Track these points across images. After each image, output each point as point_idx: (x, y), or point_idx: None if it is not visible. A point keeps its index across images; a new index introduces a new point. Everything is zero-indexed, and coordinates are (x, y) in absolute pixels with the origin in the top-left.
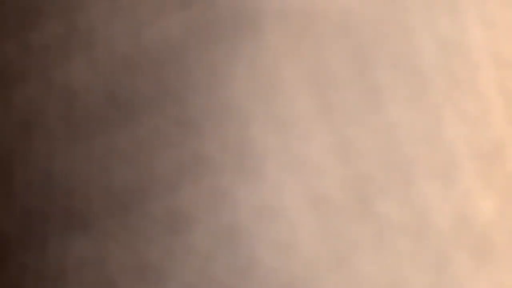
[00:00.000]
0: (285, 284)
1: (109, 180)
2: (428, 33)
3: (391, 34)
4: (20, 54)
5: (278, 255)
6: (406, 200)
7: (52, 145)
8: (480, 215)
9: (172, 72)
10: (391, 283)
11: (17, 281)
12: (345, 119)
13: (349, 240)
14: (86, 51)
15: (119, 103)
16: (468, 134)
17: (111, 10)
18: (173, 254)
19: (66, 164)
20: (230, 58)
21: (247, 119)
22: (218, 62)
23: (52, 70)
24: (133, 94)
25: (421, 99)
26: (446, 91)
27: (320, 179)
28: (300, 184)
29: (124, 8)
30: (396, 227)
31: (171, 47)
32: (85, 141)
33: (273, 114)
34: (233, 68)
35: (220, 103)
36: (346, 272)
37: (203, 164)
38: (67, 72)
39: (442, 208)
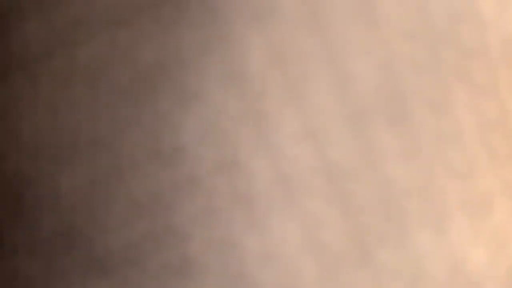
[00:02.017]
0: None
1: (129, 231)
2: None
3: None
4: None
5: None
6: (402, 248)
7: (76, 193)
8: (471, 263)
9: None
10: None
11: None
12: (345, 175)
13: (349, 286)
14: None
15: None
16: (458, 187)
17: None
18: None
19: (88, 213)
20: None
21: (252, 175)
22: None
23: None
24: None
25: (414, 156)
26: (437, 146)
27: (323, 229)
28: (303, 234)
29: None
30: (392, 273)
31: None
32: (104, 194)
33: (275, 168)
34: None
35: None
36: None
37: (214, 215)
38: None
39: (435, 256)
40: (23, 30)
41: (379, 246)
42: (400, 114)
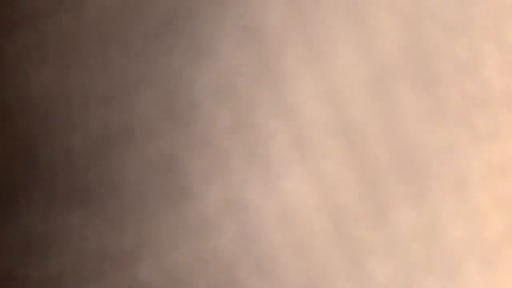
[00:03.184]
0: (301, 286)
1: (143, 190)
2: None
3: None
4: None
5: (296, 259)
6: (419, 210)
7: None
8: (491, 224)
9: None
10: None
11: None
12: (365, 136)
13: (364, 248)
14: None
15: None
16: (481, 151)
17: None
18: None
19: (101, 172)
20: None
21: (268, 136)
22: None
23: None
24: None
25: (438, 118)
26: (462, 109)
27: (339, 190)
28: (319, 196)
29: None
30: (409, 235)
31: None
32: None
33: (292, 129)
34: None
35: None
36: (360, 277)
37: (229, 176)
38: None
39: (454, 218)
40: None
41: (396, 208)
42: (425, 75)
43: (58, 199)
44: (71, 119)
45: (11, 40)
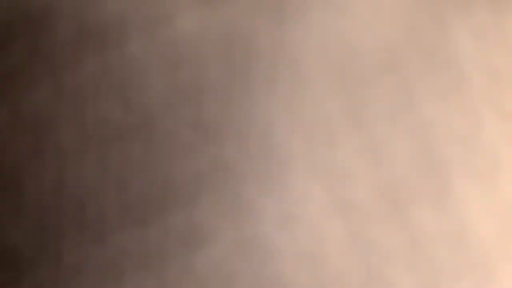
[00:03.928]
0: None
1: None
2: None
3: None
4: (30, 58)
5: (305, 269)
6: (443, 207)
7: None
8: None
9: (187, 74)
10: None
11: None
12: (376, 119)
13: (382, 251)
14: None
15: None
16: (510, 134)
17: (124, 10)
18: (193, 273)
19: (79, 176)
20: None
21: (271, 126)
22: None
23: (63, 75)
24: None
25: (458, 97)
26: (486, 87)
27: (350, 186)
28: (328, 191)
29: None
30: (432, 235)
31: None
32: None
33: (298, 118)
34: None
35: (240, 109)
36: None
37: (224, 171)
38: (78, 76)
39: (484, 214)
40: None
41: (416, 204)
42: (448, 55)
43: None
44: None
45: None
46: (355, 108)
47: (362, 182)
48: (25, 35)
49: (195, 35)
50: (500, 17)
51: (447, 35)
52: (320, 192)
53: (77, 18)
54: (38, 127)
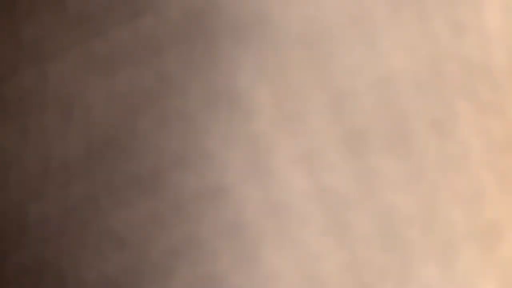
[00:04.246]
0: None
1: (105, 264)
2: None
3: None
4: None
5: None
6: (405, 284)
7: (47, 229)
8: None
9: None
10: None
11: None
12: (342, 202)
13: None
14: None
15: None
16: (465, 215)
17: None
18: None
19: (59, 248)
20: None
21: (241, 203)
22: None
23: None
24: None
25: (416, 182)
26: (440, 171)
27: (318, 262)
28: (297, 267)
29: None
30: None
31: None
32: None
33: (266, 195)
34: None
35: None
36: None
37: (199, 247)
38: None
39: None
40: None
41: (380, 282)
42: (400, 135)
43: (9, 281)
44: (28, 187)
45: None
46: (322, 190)
47: (330, 259)
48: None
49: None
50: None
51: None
52: (289, 268)
53: None
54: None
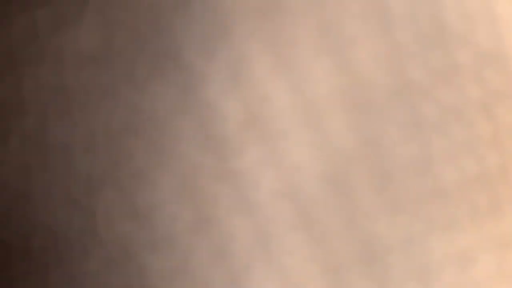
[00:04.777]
0: None
1: None
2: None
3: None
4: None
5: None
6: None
7: None
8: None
9: None
10: None
11: None
12: (326, 232)
13: None
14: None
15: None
16: (441, 242)
17: None
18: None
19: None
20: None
21: (230, 233)
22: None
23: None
24: None
25: (396, 213)
26: (418, 203)
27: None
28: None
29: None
30: None
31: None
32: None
33: (253, 226)
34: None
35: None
36: None
37: (191, 275)
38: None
39: None
40: None
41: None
42: (380, 173)
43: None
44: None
45: None
46: (307, 222)
47: (315, 286)
48: None
49: None
50: None
51: None
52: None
53: None
54: None
